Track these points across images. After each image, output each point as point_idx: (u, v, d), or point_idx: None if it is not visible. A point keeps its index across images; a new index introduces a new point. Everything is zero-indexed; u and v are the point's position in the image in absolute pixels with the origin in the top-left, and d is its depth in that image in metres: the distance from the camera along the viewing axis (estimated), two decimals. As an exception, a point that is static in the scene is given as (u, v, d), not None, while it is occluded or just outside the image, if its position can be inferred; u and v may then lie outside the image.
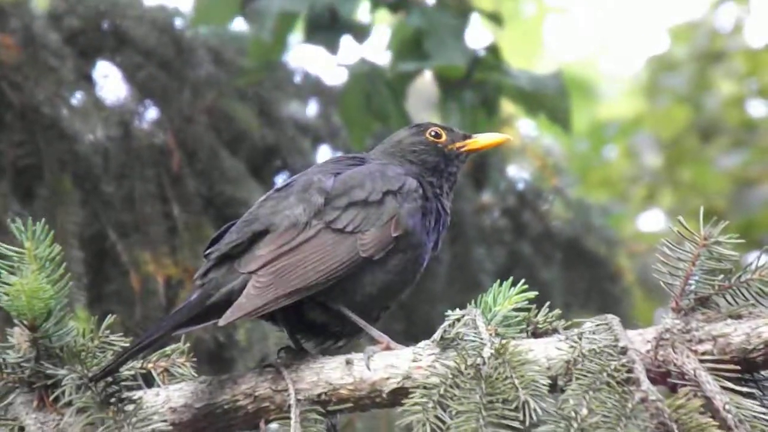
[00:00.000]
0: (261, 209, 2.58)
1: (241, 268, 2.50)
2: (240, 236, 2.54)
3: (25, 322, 2.41)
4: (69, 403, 2.37)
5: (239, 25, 4.39)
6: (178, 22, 4.29)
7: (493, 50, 4.20)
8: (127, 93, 4.22)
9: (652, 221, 6.95)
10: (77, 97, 4.04)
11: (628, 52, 7.93)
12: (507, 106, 4.67)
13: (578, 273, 4.67)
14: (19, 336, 2.43)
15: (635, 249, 5.24)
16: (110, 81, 4.22)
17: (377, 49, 4.51)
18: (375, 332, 2.50)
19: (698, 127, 6.89)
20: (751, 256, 2.35)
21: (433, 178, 2.67)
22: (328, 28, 4.16)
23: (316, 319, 2.53)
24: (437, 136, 2.70)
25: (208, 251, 2.58)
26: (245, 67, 4.25)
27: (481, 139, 2.73)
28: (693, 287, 2.34)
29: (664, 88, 7.06)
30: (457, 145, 2.70)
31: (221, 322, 2.44)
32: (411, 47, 4.13)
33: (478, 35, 4.42)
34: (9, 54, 3.92)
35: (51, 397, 2.40)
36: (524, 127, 5.44)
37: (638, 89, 7.42)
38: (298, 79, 4.47)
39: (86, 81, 4.14)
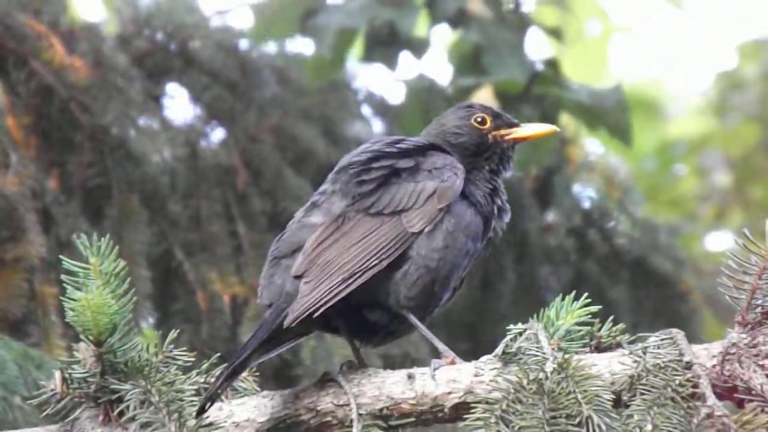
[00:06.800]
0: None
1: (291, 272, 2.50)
2: (289, 245, 2.56)
3: (91, 338, 2.44)
4: (132, 418, 2.40)
5: (304, 45, 4.44)
6: (243, 43, 4.34)
7: (553, 65, 4.19)
8: (194, 113, 4.28)
9: (720, 241, 6.85)
10: (145, 118, 4.10)
11: (695, 70, 7.85)
12: (571, 124, 4.64)
13: (645, 292, 4.62)
14: (84, 351, 2.46)
15: (703, 269, 5.17)
16: (177, 102, 4.29)
17: (436, 64, 4.52)
18: (441, 345, 2.48)
19: (768, 146, 6.79)
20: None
21: (472, 163, 2.61)
22: (387, 43, 4.18)
23: (378, 321, 2.51)
24: (482, 122, 2.65)
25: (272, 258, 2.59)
26: (309, 87, 4.28)
27: (527, 129, 2.65)
28: (759, 301, 2.30)
29: (733, 107, 6.98)
30: (502, 132, 2.65)
31: (285, 323, 2.43)
32: (470, 62, 4.13)
33: (538, 50, 4.39)
34: (79, 76, 3.99)
35: (115, 412, 2.43)
36: (590, 146, 5.40)
37: (706, 108, 7.34)
38: (361, 98, 4.49)
39: (154, 102, 4.20)
